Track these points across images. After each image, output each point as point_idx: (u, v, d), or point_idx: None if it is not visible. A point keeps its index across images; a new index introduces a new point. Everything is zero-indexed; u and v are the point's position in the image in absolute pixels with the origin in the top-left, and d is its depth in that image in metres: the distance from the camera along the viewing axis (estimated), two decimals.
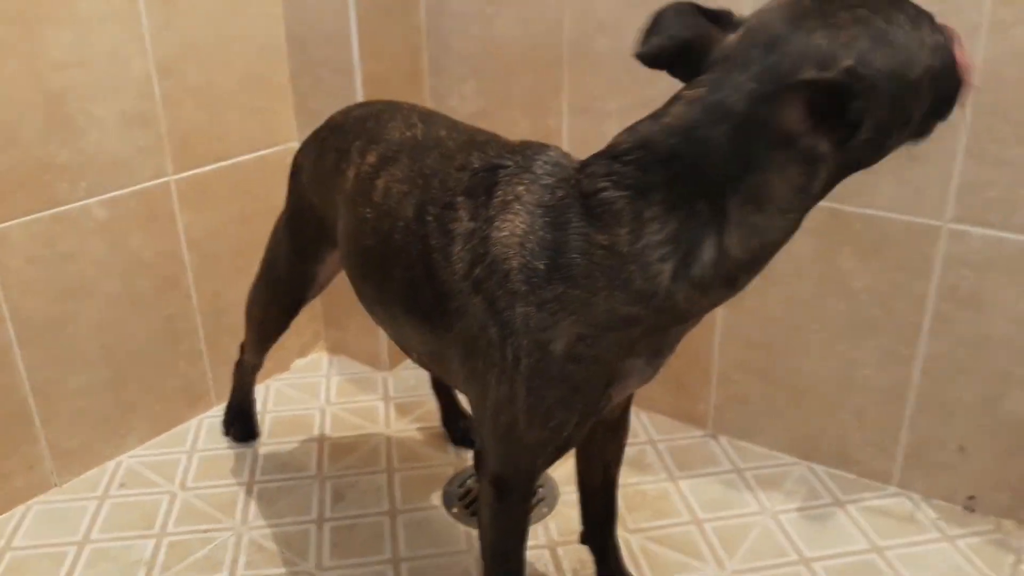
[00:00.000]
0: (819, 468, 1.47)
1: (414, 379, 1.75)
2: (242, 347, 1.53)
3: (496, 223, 0.86)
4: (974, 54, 1.15)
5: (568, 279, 0.81)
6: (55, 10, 1.30)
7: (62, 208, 1.38)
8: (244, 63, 1.57)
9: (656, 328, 0.84)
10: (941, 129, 1.24)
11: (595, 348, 0.83)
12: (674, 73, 0.79)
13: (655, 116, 0.78)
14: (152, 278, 1.53)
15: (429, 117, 1.10)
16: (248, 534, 1.35)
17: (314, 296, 1.37)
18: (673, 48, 0.77)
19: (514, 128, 1.56)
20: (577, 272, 0.80)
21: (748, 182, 0.74)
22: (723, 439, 1.56)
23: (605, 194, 0.79)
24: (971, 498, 1.36)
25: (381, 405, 1.70)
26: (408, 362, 1.82)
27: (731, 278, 0.79)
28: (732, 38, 0.76)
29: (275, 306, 1.39)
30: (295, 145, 1.64)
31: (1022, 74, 1.13)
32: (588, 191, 0.80)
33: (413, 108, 1.14)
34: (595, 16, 1.44)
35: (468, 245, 0.88)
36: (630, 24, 1.41)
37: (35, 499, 1.43)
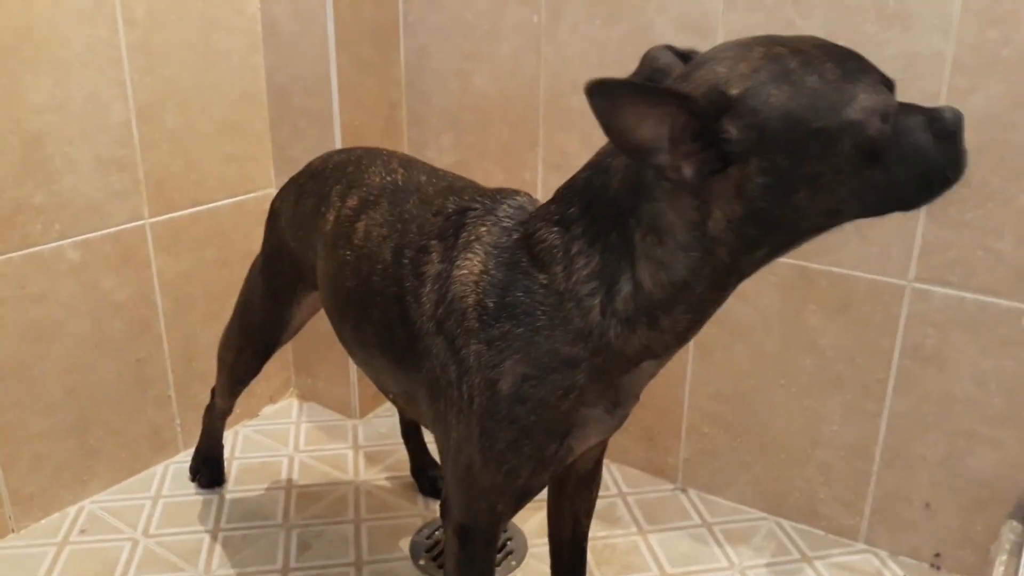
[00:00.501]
0: (787, 523, 1.48)
1: (385, 427, 1.74)
2: (213, 391, 1.52)
3: (457, 262, 0.89)
4: None
5: (513, 317, 0.83)
6: (36, 54, 1.31)
7: (34, 249, 1.37)
8: (223, 110, 1.59)
9: (600, 372, 0.84)
10: None
11: (540, 390, 0.84)
12: None
13: None
14: (123, 321, 1.52)
15: (409, 163, 1.12)
16: None
17: (288, 340, 1.37)
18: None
19: (490, 181, 1.57)
20: (520, 310, 0.83)
21: (644, 211, 0.76)
22: (692, 492, 1.56)
23: (540, 232, 0.83)
24: (937, 555, 1.37)
25: (350, 453, 1.68)
26: (379, 410, 1.81)
27: (652, 316, 0.79)
28: (678, 71, 0.76)
29: (248, 350, 1.38)
30: (272, 191, 1.65)
31: (980, 141, 1.18)
32: (529, 232, 0.84)
33: (393, 154, 1.16)
34: (569, 76, 1.47)
35: (435, 286, 0.90)
36: None
37: None
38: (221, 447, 1.60)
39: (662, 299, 0.78)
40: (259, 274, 1.33)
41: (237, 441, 1.71)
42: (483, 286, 0.85)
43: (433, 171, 1.10)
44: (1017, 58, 1.13)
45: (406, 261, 0.95)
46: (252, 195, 1.67)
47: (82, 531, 1.44)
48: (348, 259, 1.03)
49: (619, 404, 0.90)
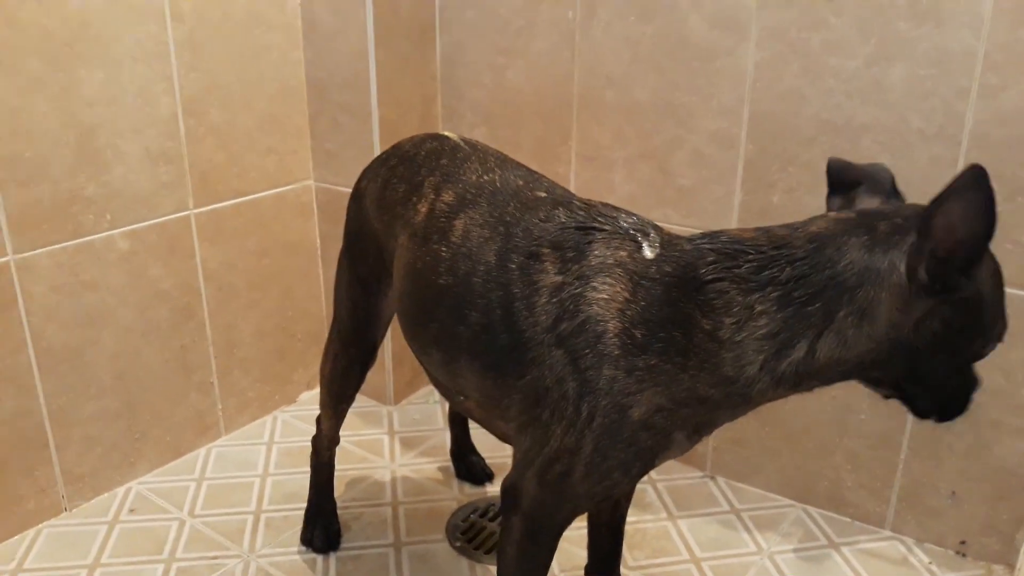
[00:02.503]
0: (814, 510, 1.51)
1: (418, 414, 1.79)
2: (318, 420, 1.41)
3: (593, 283, 0.88)
4: (964, 117, 1.21)
5: (663, 353, 0.84)
6: (90, 50, 1.36)
7: (87, 238, 1.43)
8: (265, 104, 1.64)
9: (717, 410, 0.88)
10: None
11: (668, 421, 0.87)
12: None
13: (792, 226, 0.85)
14: (168, 309, 1.57)
15: (504, 162, 1.11)
16: (255, 562, 1.38)
17: (382, 338, 1.29)
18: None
19: None
20: (674, 349, 0.84)
21: (863, 295, 0.79)
22: (721, 480, 1.59)
23: (721, 284, 0.83)
24: (963, 543, 1.39)
25: (386, 439, 1.73)
26: (413, 397, 1.86)
27: (801, 380, 0.84)
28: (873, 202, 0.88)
29: (343, 356, 1.30)
30: (310, 184, 1.70)
31: (1009, 136, 1.20)
32: (704, 279, 0.84)
33: (488, 150, 1.13)
34: (603, 70, 1.51)
35: (555, 299, 0.89)
36: (637, 79, 1.48)
37: (46, 523, 1.46)
38: (333, 500, 1.44)
39: (819, 370, 0.83)
40: (344, 263, 1.27)
41: (276, 426, 1.76)
42: (630, 315, 0.86)
43: (529, 173, 1.09)
44: None
45: (513, 267, 0.94)
46: (291, 187, 1.71)
47: (131, 510, 1.50)
48: (443, 255, 1.00)
49: (699, 432, 0.93)
